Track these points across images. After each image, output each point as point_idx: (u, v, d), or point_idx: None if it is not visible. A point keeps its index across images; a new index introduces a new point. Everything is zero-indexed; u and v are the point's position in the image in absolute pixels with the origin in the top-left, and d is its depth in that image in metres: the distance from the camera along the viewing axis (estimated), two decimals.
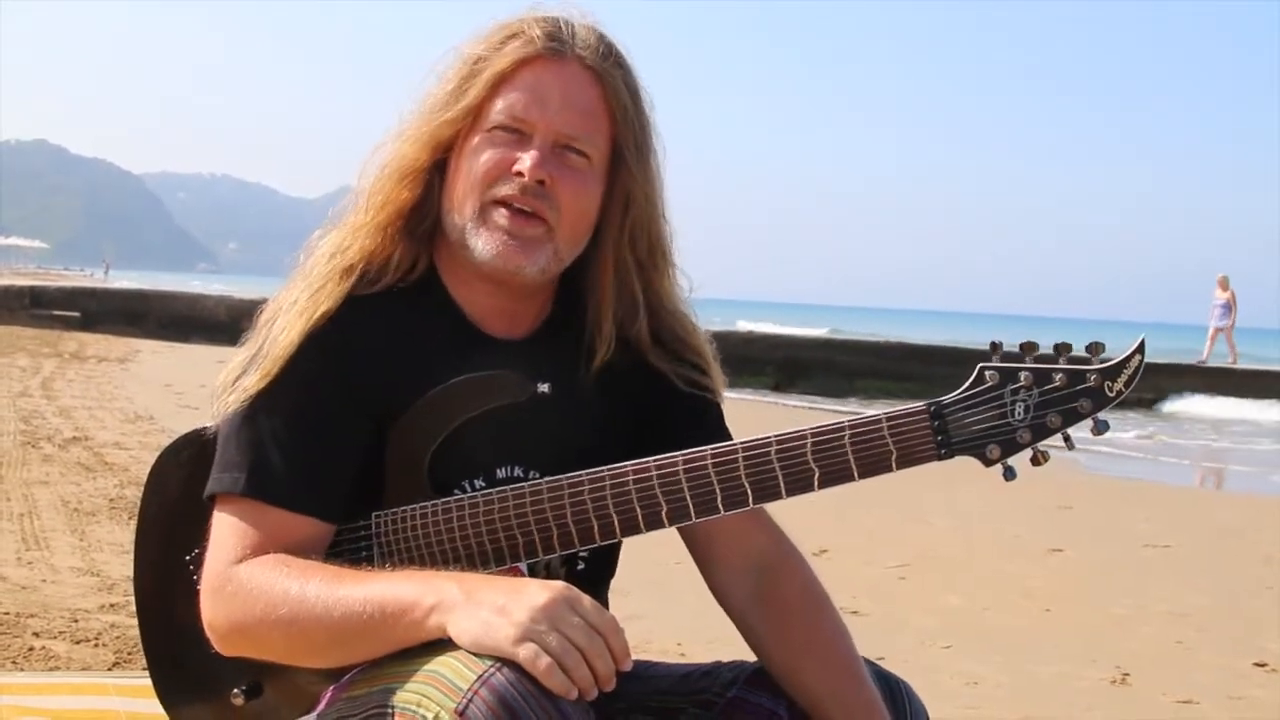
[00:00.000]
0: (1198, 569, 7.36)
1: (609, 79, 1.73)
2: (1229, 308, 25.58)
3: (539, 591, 1.44)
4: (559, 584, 1.46)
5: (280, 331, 1.69)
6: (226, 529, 1.64)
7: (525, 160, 1.68)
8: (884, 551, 7.15)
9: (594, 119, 1.72)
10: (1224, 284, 25.85)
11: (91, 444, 8.81)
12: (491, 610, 1.44)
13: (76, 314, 24.68)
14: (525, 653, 1.41)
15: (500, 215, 1.69)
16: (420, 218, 1.75)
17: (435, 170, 1.75)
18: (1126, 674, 4.93)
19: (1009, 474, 1.58)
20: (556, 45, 1.71)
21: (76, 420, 10.27)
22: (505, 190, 1.69)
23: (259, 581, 1.58)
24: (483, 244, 1.69)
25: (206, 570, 1.65)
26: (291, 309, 1.70)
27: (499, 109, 1.70)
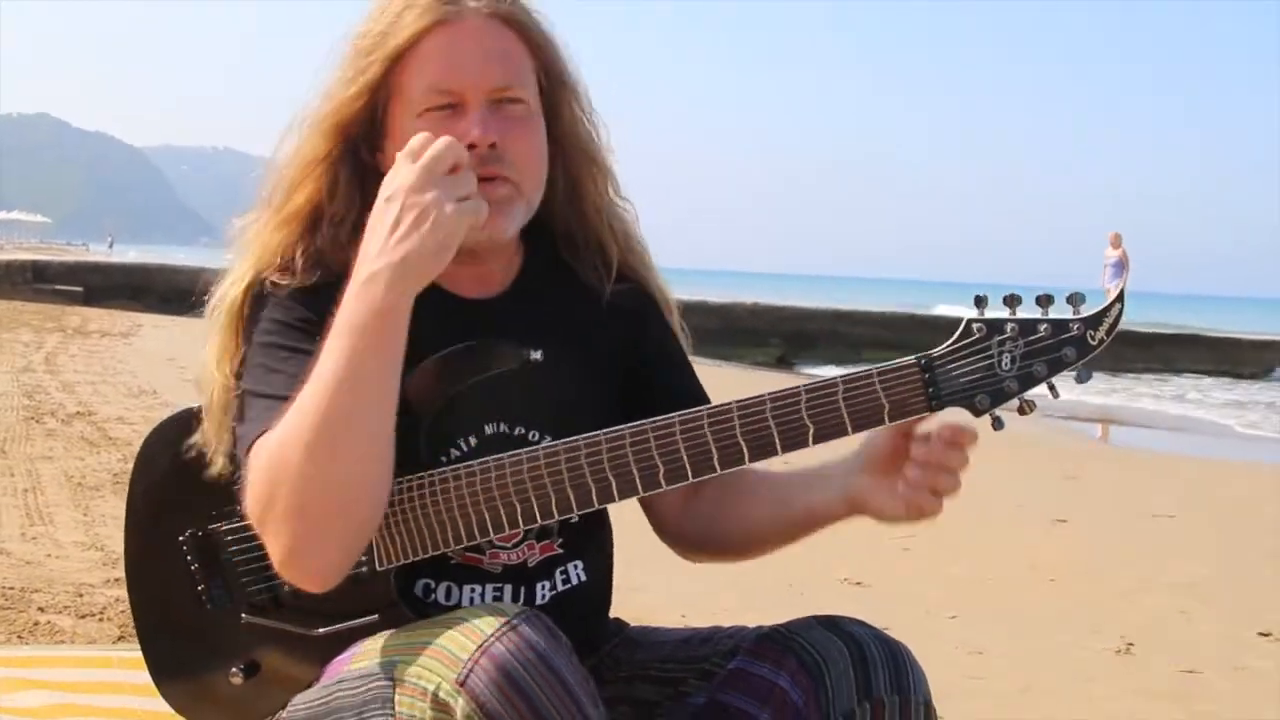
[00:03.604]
0: (1202, 539, 7.37)
1: (514, 18, 1.73)
2: (1121, 266, 23.48)
3: (395, 180, 1.54)
4: (388, 177, 1.56)
5: (209, 357, 1.72)
6: (249, 465, 1.59)
7: (471, 130, 1.66)
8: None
9: (516, 62, 1.72)
10: (1115, 241, 23.91)
11: (95, 419, 8.83)
12: (397, 241, 1.51)
13: (79, 289, 24.70)
14: (471, 209, 1.54)
15: None
16: (323, 210, 1.73)
17: (344, 160, 1.73)
18: (1130, 644, 4.94)
19: (997, 424, 1.63)
20: (451, 7, 1.69)
21: (80, 395, 10.28)
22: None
23: (260, 460, 1.55)
24: None
25: (253, 521, 1.59)
26: (212, 322, 1.74)
27: (421, 89, 1.68)
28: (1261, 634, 5.19)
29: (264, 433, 1.58)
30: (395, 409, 1.56)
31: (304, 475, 1.50)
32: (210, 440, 1.75)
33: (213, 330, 1.73)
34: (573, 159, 1.81)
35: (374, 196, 1.66)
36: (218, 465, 1.74)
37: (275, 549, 1.56)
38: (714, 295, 27.22)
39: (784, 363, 24.26)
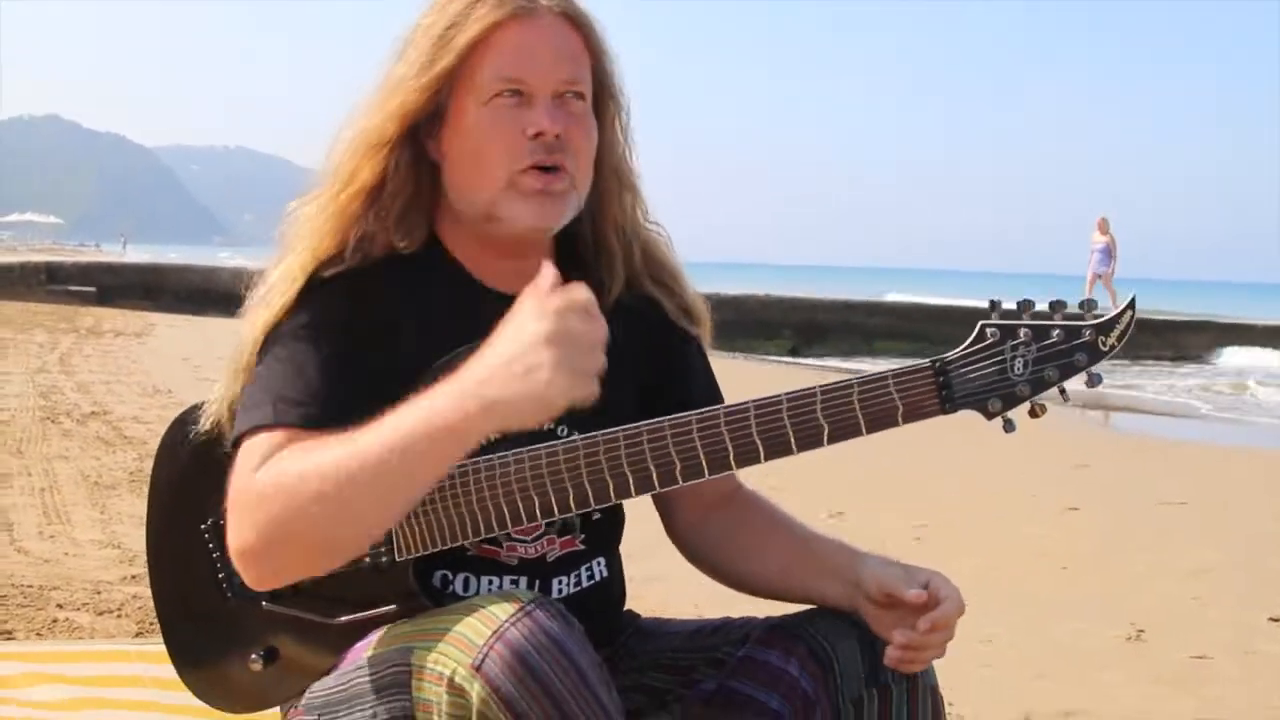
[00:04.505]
0: (1213, 525, 7.37)
1: (582, 21, 1.78)
2: (1109, 252, 23.57)
3: (536, 325, 1.48)
4: (538, 305, 1.49)
5: (248, 324, 1.75)
6: (245, 454, 1.62)
7: (543, 120, 1.71)
8: (900, 513, 7.17)
9: (580, 61, 1.77)
10: (1103, 227, 23.93)
11: (110, 418, 8.88)
12: (522, 384, 1.47)
13: (92, 289, 24.78)
14: (583, 392, 1.48)
15: (531, 179, 1.72)
16: (381, 191, 1.77)
17: (405, 144, 1.76)
18: (1141, 630, 4.95)
19: (1008, 426, 1.65)
20: (526, 2, 1.74)
21: (95, 395, 10.34)
22: (531, 158, 1.72)
23: (276, 472, 1.56)
24: (520, 210, 1.73)
25: (228, 498, 1.62)
26: (260, 299, 1.75)
27: (492, 76, 1.72)
28: (1272, 619, 5.20)
29: (260, 427, 1.62)
30: (419, 499, 1.59)
31: (306, 513, 1.54)
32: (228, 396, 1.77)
33: (262, 304, 1.75)
34: (604, 173, 1.84)
35: (427, 181, 1.76)
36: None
37: (235, 539, 1.59)
38: (725, 287, 27.16)
39: (796, 354, 24.24)
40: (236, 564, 1.62)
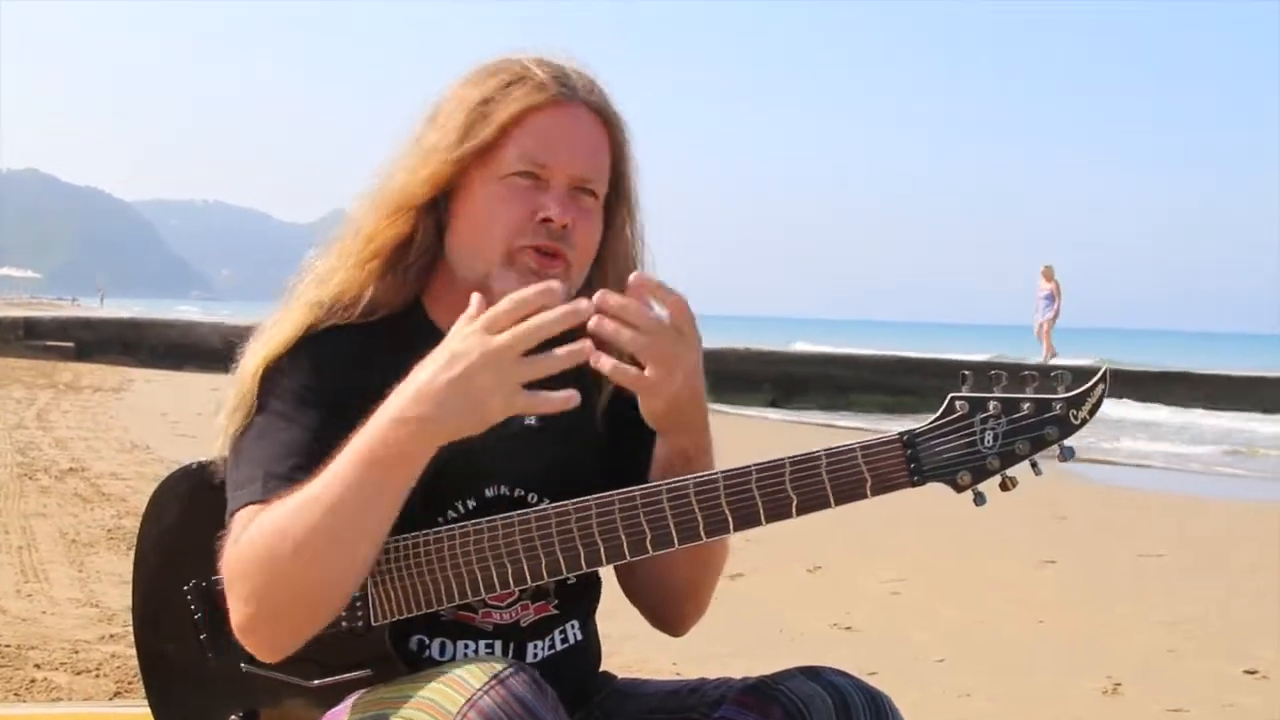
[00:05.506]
0: (1190, 577, 7.41)
1: (612, 120, 1.81)
2: (1052, 299, 24.35)
3: (464, 347, 1.54)
4: (466, 330, 1.56)
5: (248, 356, 1.76)
6: (235, 529, 1.65)
7: (553, 208, 1.73)
8: (878, 566, 7.19)
9: (601, 158, 1.79)
10: (1048, 275, 24.64)
11: (88, 475, 8.84)
12: (455, 398, 1.53)
13: (70, 344, 24.70)
14: (523, 403, 1.55)
15: (529, 258, 1.74)
16: (404, 253, 1.80)
17: (429, 209, 1.79)
18: (1118, 683, 4.98)
19: (979, 499, 1.65)
20: (566, 91, 1.76)
21: (73, 451, 10.30)
22: (534, 239, 1.74)
23: (252, 535, 1.60)
24: (512, 286, 1.70)
25: (223, 576, 1.65)
26: (259, 336, 1.77)
27: (516, 155, 1.74)
28: (1248, 671, 5.24)
29: (250, 504, 1.64)
30: (387, 533, 1.62)
31: (284, 572, 1.57)
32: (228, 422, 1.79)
33: (264, 342, 1.76)
34: (604, 272, 1.84)
35: (437, 245, 1.78)
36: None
37: (235, 615, 1.64)
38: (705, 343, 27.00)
39: (776, 406, 24.27)
40: (243, 642, 1.65)
